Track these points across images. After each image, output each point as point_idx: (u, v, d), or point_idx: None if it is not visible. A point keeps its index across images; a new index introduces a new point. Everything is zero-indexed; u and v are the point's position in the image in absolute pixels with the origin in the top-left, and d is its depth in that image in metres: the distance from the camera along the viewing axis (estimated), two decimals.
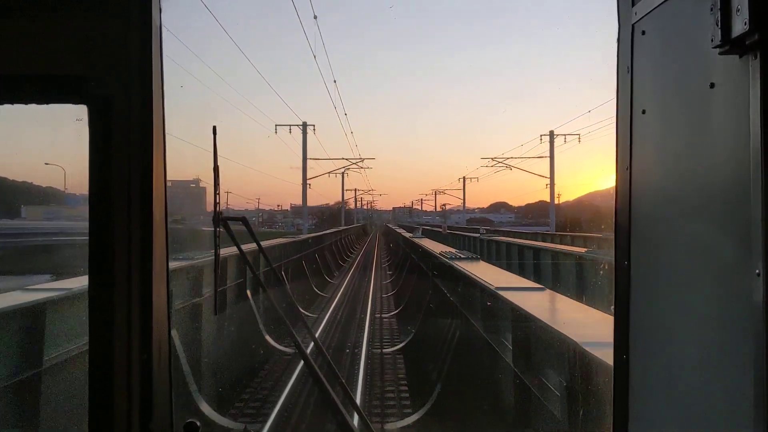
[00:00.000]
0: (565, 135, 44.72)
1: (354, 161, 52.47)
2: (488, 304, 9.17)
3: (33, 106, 1.86)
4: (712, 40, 1.43)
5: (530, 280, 13.94)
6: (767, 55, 1.32)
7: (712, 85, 1.52)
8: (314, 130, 41.01)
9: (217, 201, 2.47)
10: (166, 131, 1.95)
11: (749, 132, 1.35)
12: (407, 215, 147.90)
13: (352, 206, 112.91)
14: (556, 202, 46.04)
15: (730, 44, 1.39)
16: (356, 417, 3.60)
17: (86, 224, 1.82)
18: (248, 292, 15.29)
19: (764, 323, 1.30)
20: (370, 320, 20.58)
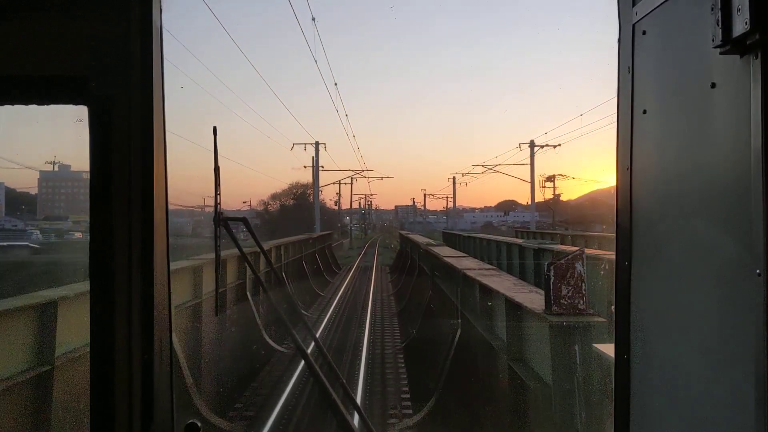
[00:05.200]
0: (541, 145, 52.31)
1: (358, 171, 60.21)
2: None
3: (33, 107, 1.86)
4: (712, 40, 1.43)
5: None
6: None
7: (713, 85, 1.52)
8: (325, 147, 44.43)
9: (218, 201, 2.48)
10: (167, 131, 1.95)
11: (750, 132, 1.34)
12: (412, 214, 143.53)
13: (349, 204, 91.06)
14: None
15: (730, 44, 1.39)
16: (356, 416, 3.60)
17: None
18: (248, 293, 15.29)
19: (765, 323, 1.29)
20: None
